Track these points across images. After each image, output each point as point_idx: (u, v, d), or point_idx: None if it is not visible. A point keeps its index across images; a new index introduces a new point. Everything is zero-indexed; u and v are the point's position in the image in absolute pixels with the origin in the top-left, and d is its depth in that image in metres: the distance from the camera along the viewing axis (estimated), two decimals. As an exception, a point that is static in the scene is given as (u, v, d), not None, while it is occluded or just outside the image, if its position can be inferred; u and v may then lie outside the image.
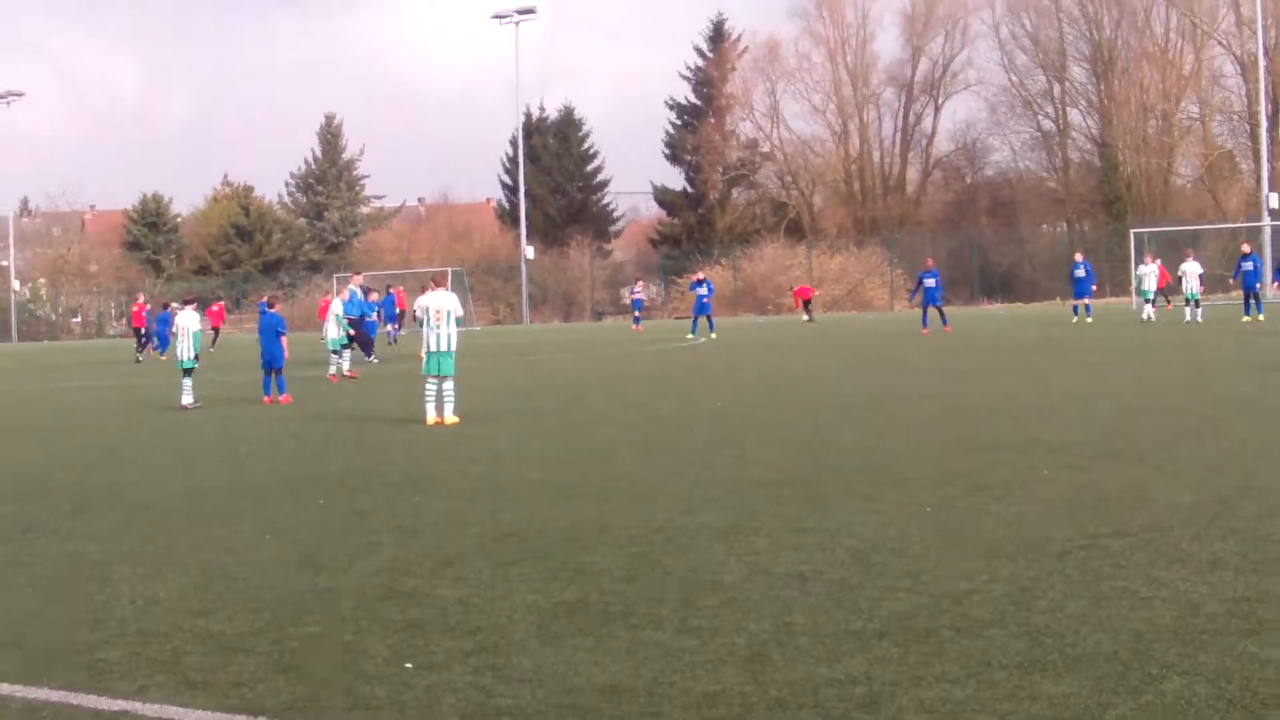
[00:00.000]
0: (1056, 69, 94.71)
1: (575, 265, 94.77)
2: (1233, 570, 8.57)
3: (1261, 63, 74.67)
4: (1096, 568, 8.84)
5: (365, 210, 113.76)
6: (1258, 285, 44.25)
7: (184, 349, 26.78)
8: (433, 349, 20.54)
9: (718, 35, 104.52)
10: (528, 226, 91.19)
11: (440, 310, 20.73)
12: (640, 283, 72.56)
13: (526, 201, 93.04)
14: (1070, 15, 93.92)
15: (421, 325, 21.32)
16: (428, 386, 20.72)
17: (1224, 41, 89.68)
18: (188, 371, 26.62)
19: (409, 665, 7.27)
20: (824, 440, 16.51)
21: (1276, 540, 9.40)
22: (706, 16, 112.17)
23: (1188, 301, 45.07)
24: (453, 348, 20.67)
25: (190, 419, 24.02)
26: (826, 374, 28.26)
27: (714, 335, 50.13)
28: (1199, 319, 43.59)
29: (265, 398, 26.71)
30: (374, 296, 42.45)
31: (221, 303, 68.67)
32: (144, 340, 52.30)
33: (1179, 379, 23.66)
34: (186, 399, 26.26)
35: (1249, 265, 43.83)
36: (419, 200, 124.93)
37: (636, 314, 67.60)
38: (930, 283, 45.91)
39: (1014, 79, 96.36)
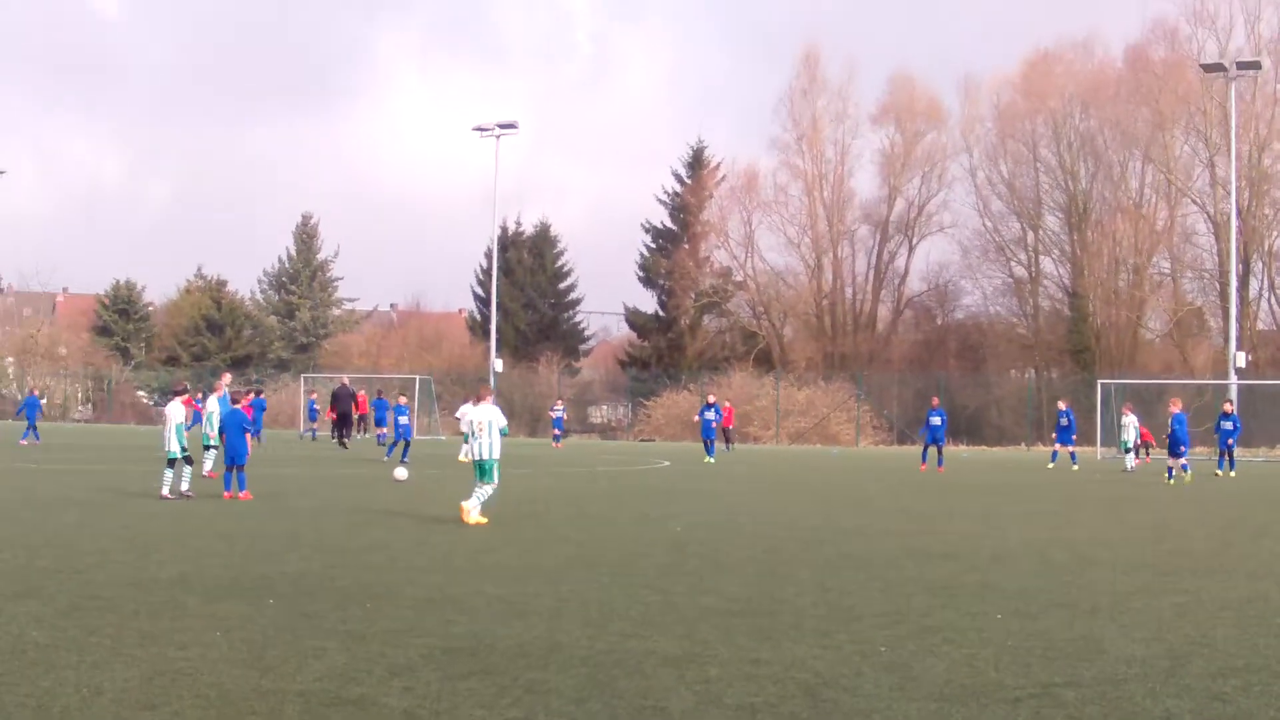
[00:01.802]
0: (1031, 217, 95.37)
1: (544, 381, 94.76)
2: (1184, 728, 8.56)
3: (1234, 223, 75.37)
4: (1049, 717, 8.82)
5: (337, 312, 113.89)
6: (1230, 443, 44.84)
7: (169, 439, 26.66)
8: (479, 457, 22.51)
9: (696, 162, 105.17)
10: (498, 340, 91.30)
11: (482, 422, 22.56)
12: (560, 402, 72.91)
13: (498, 315, 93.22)
14: (1047, 165, 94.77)
15: (468, 438, 23.55)
16: (485, 490, 22.38)
17: (1198, 200, 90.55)
18: (171, 462, 26.53)
19: (351, 774, 7.22)
20: (781, 573, 16.46)
21: (1229, 699, 9.41)
22: (686, 142, 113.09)
23: (1124, 450, 47.65)
24: (495, 455, 22.53)
25: (152, 510, 23.90)
26: (788, 506, 28.24)
27: (711, 460, 50.45)
28: (1131, 468, 46.53)
29: (225, 493, 26.62)
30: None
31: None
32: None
33: (1138, 532, 23.70)
34: (165, 489, 26.20)
35: (1228, 425, 44.95)
36: (391, 306, 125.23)
37: (556, 432, 68.53)
38: (936, 420, 46.92)
39: (988, 224, 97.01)
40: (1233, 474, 43.75)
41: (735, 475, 27.82)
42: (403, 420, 42.81)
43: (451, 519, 22.60)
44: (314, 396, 60.39)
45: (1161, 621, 12.89)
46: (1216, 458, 46.14)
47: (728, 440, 63.64)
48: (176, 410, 27.36)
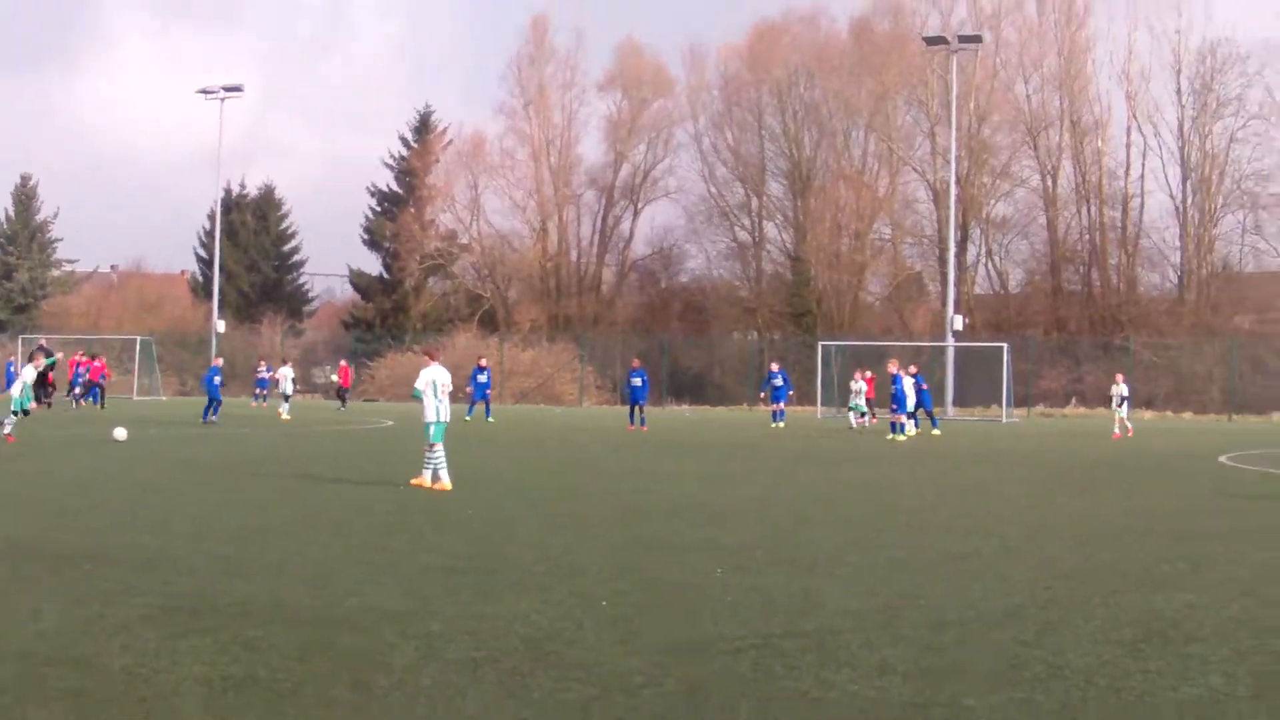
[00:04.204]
0: (755, 183, 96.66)
1: (267, 342, 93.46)
2: (901, 676, 8.82)
3: (953, 191, 77.21)
4: (768, 667, 9.02)
5: (56, 273, 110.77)
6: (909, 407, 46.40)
7: None
8: (444, 419, 21.86)
9: (424, 126, 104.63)
10: (221, 301, 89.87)
11: (445, 384, 22.10)
12: (263, 362, 72.37)
13: (221, 276, 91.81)
14: (771, 132, 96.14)
15: (418, 397, 22.17)
16: (437, 453, 21.81)
17: (919, 169, 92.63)
18: None
19: (70, 733, 7.16)
20: (503, 530, 16.57)
21: (942, 650, 9.71)
22: (414, 107, 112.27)
23: (855, 410, 50.18)
24: (443, 419, 21.94)
25: None
26: (512, 465, 28.36)
27: (491, 420, 50.66)
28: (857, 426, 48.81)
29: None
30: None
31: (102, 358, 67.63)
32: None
33: (856, 490, 24.25)
34: None
35: (924, 385, 46.08)
36: (112, 267, 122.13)
37: (257, 392, 68.24)
38: (637, 382, 47.87)
39: (713, 190, 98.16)
40: (935, 432, 45.46)
41: (460, 434, 27.91)
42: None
43: (171, 481, 22.31)
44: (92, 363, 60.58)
45: (877, 576, 13.24)
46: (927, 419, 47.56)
47: (342, 398, 65.48)
48: None
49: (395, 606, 10.97)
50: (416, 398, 22.05)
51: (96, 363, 62.50)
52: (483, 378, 52.50)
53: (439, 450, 21.84)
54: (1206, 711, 8.08)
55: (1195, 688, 8.63)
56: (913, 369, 46.44)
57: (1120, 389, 48.70)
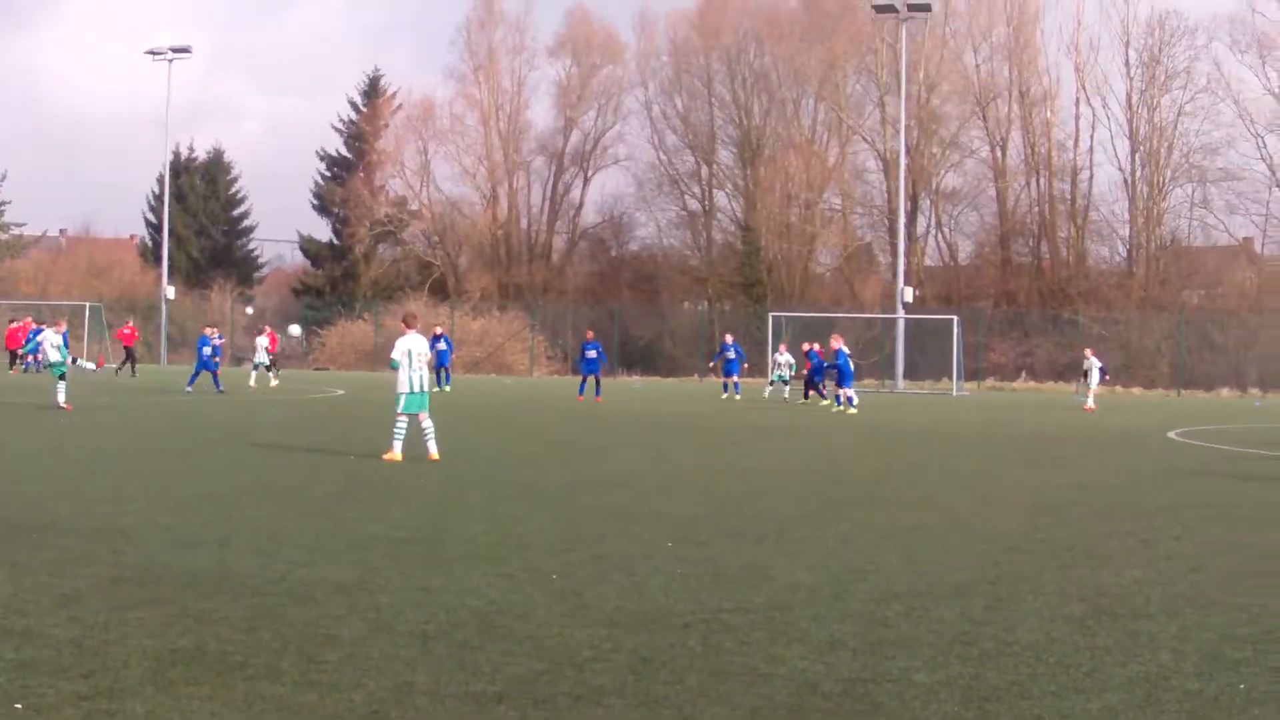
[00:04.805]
0: (705, 151, 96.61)
1: (216, 309, 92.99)
2: (850, 651, 8.85)
3: (903, 161, 77.22)
4: (718, 642, 9.03)
5: (3, 237, 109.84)
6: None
7: None
8: (418, 389, 21.65)
9: (373, 90, 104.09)
10: (170, 267, 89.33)
11: (422, 353, 21.91)
12: (213, 330, 71.23)
13: (170, 241, 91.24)
14: (721, 100, 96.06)
15: (397, 367, 21.78)
16: (401, 425, 21.56)
17: (868, 138, 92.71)
18: None
19: (18, 706, 7.11)
20: (452, 501, 16.57)
21: (891, 624, 9.74)
22: (363, 71, 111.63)
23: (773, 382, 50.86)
24: (421, 389, 21.80)
25: None
26: (461, 435, 28.34)
27: (448, 389, 50.34)
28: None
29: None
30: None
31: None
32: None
33: (806, 462, 24.36)
34: None
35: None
36: (60, 231, 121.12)
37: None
38: (591, 354, 47.85)
39: (663, 157, 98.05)
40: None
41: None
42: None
43: (119, 448, 22.24)
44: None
45: (827, 549, 13.28)
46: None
47: (132, 362, 63.31)
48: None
49: (345, 578, 10.95)
50: (394, 368, 21.83)
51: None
52: (441, 345, 52.43)
53: (403, 422, 21.66)
54: (1154, 688, 8.12)
55: (1143, 664, 8.67)
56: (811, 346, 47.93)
57: (1093, 362, 49.08)
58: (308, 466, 20.64)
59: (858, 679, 8.16)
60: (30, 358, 56.52)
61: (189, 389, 43.43)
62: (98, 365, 41.01)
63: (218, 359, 45.40)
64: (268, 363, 52.31)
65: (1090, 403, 48.33)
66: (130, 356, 61.15)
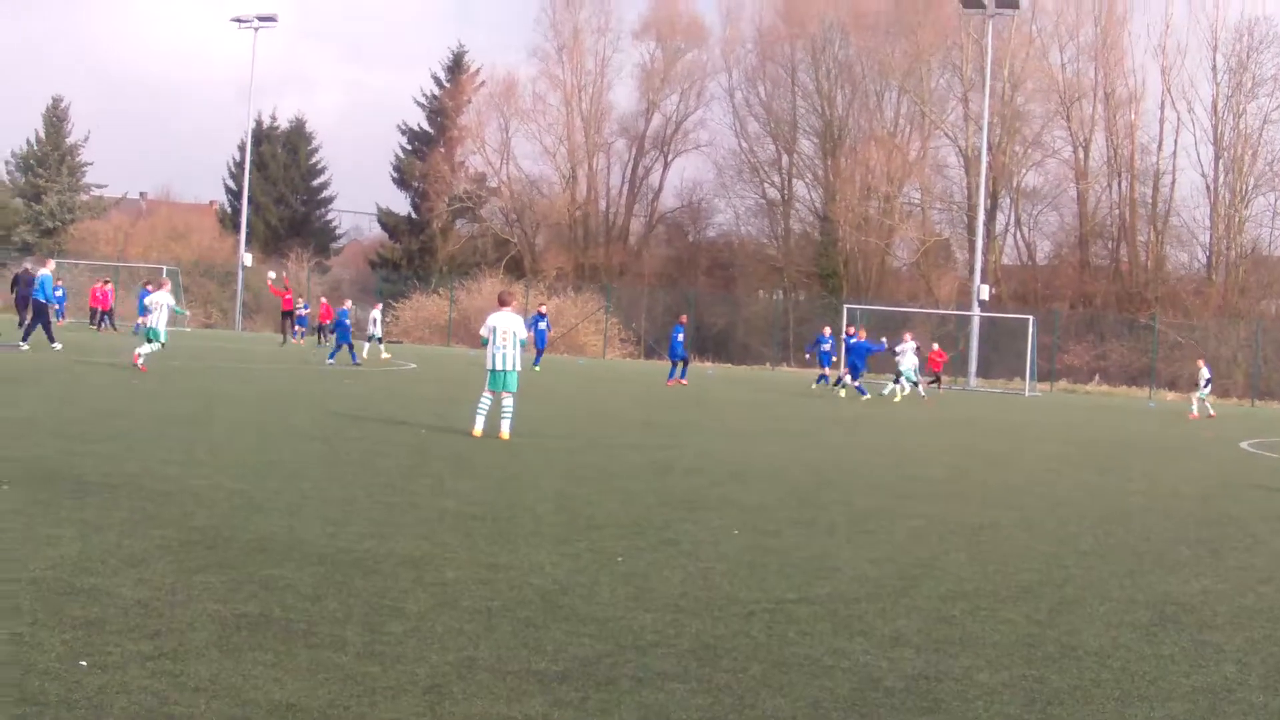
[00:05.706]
0: (786, 140, 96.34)
1: (293, 278, 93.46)
2: (913, 648, 8.82)
3: (984, 158, 76.71)
4: (781, 632, 9.02)
5: (85, 198, 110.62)
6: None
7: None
8: (499, 368, 21.53)
9: (457, 66, 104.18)
10: (248, 234, 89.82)
11: (507, 331, 21.60)
12: (300, 299, 71.01)
13: (249, 208, 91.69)
14: (804, 89, 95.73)
15: (486, 344, 21.87)
16: (484, 400, 21.65)
17: (950, 134, 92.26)
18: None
19: (84, 663, 7.16)
20: (522, 480, 16.57)
21: (956, 621, 9.71)
22: (447, 46, 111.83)
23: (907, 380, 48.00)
24: (518, 367, 21.76)
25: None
26: (532, 414, 28.36)
27: (537, 369, 50.14)
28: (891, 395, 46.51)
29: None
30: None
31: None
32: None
33: (879, 456, 24.25)
34: None
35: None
36: (141, 194, 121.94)
37: (300, 329, 67.63)
38: (680, 337, 48.09)
39: (744, 145, 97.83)
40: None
41: (478, 382, 27.50)
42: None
43: (193, 413, 22.37)
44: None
45: (895, 544, 13.25)
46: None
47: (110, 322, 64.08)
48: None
49: (412, 551, 10.99)
50: (484, 344, 21.84)
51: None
52: (542, 325, 52.61)
53: (486, 398, 21.73)
54: (1218, 699, 8.06)
55: (1208, 675, 8.61)
56: (850, 330, 47.69)
57: (1204, 372, 48.67)
58: (379, 438, 20.69)
59: (920, 675, 8.12)
60: (140, 320, 56.86)
61: (330, 362, 43.92)
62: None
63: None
64: (379, 335, 52.48)
65: (1194, 410, 47.99)
66: (98, 316, 62.17)
